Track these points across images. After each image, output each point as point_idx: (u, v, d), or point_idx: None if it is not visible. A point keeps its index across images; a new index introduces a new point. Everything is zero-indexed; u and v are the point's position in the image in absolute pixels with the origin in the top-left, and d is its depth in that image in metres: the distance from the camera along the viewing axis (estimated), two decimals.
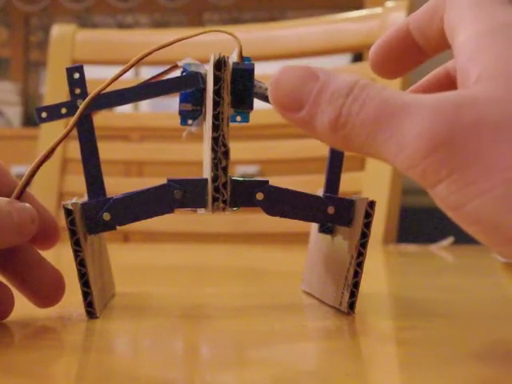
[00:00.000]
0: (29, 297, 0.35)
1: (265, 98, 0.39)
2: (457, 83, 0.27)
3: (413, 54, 0.32)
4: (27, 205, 0.33)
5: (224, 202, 0.36)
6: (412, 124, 0.24)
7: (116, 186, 0.93)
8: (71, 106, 0.37)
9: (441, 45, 0.30)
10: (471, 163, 0.24)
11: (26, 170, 0.35)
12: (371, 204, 0.36)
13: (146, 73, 2.20)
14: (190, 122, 0.40)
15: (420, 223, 2.03)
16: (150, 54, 0.36)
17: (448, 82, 0.33)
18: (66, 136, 0.35)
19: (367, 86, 0.26)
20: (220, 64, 0.36)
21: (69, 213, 0.34)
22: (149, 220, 0.37)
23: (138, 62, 0.36)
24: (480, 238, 0.25)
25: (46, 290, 0.35)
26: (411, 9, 0.93)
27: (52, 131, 0.97)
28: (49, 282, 0.35)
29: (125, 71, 0.36)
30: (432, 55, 0.32)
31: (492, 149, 0.23)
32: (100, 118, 0.96)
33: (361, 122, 0.25)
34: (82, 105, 0.36)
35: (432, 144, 0.24)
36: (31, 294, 0.35)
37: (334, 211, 0.37)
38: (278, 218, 0.38)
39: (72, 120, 0.36)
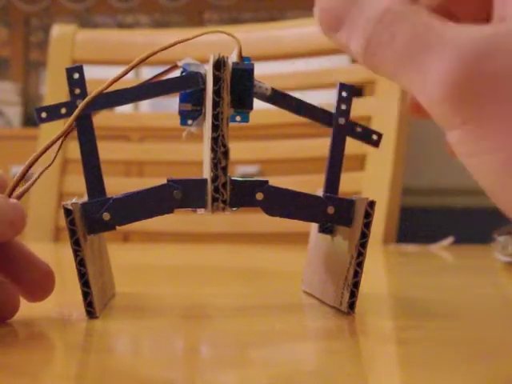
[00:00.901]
0: (19, 291, 0.35)
1: (265, 98, 0.39)
2: None
3: None
4: (17, 201, 0.34)
5: (223, 202, 0.36)
6: (435, 64, 0.24)
7: (116, 186, 0.93)
8: (71, 106, 0.37)
9: None
10: (486, 117, 0.23)
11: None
12: (371, 204, 0.36)
13: (146, 73, 2.20)
14: (189, 122, 0.40)
15: (420, 223, 2.03)
16: (151, 56, 0.36)
17: None
18: (62, 135, 0.35)
19: (397, 16, 0.25)
20: (219, 64, 0.36)
21: (68, 213, 0.34)
22: (149, 220, 0.37)
23: (139, 64, 0.36)
24: (488, 194, 0.24)
25: (36, 284, 0.35)
26: None
27: (52, 131, 0.97)
28: (38, 276, 0.35)
29: (125, 73, 0.36)
30: None
31: (510, 105, 0.23)
32: (100, 118, 0.95)
33: (389, 52, 0.25)
34: (79, 106, 0.36)
35: (450, 90, 0.23)
36: (20, 287, 0.35)
37: (333, 211, 0.37)
38: (277, 218, 0.38)
39: (69, 120, 0.36)
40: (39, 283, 0.35)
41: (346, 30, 0.26)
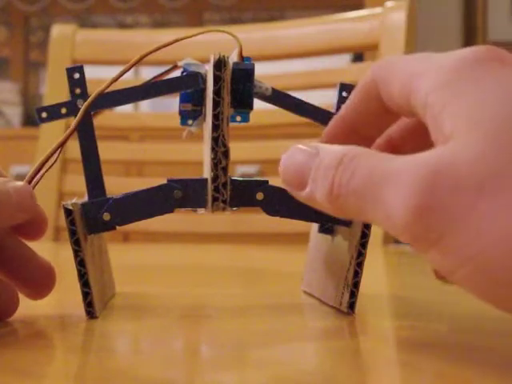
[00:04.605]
0: (20, 288, 0.35)
1: (265, 98, 0.39)
2: (430, 136, 0.27)
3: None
4: (24, 183, 0.34)
5: (224, 201, 0.36)
6: (394, 193, 0.24)
7: (116, 186, 0.93)
8: (71, 106, 0.37)
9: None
10: (455, 229, 0.23)
11: (26, 169, 0.35)
12: None
13: (146, 73, 2.20)
14: (189, 122, 0.40)
15: None
16: (149, 54, 0.36)
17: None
18: (67, 138, 0.35)
19: (356, 156, 0.26)
20: (220, 64, 0.36)
21: (69, 213, 0.34)
22: (149, 220, 0.37)
23: (138, 62, 0.36)
24: (492, 304, 0.25)
25: (37, 281, 0.35)
26: (411, 9, 0.93)
27: (52, 131, 0.97)
28: (39, 273, 0.35)
29: (125, 71, 0.36)
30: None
31: (474, 214, 0.23)
32: (100, 118, 0.96)
33: (352, 192, 0.26)
34: (82, 108, 0.36)
35: (414, 213, 0.24)
36: (22, 285, 0.35)
37: None
38: (277, 218, 0.38)
39: (75, 121, 0.36)
40: (40, 280, 0.35)
41: (311, 185, 0.28)
